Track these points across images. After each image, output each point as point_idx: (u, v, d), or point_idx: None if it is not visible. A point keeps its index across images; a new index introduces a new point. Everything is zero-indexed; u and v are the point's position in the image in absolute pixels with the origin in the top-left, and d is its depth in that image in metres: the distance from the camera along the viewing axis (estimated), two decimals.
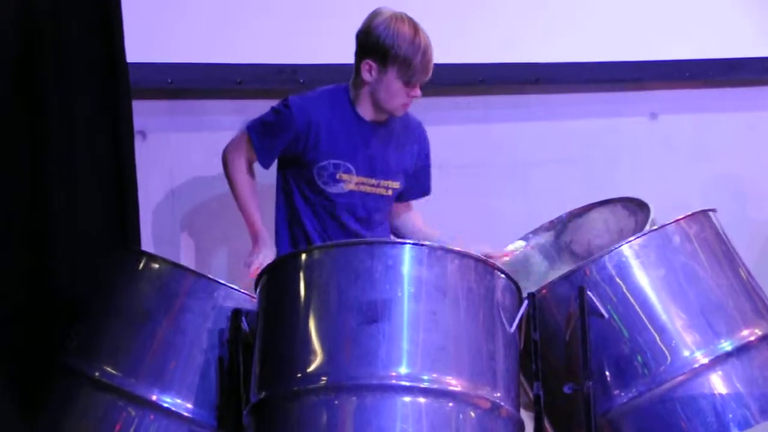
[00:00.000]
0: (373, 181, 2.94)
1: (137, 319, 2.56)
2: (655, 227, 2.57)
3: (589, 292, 2.43)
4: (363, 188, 2.94)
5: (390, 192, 2.98)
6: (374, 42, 2.84)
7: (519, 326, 2.44)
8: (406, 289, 2.31)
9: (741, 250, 2.64)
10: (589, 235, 3.03)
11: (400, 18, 2.85)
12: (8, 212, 2.98)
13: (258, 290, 2.48)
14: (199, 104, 3.41)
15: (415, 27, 2.86)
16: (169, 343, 2.52)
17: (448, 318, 2.32)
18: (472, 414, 2.27)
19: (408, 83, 2.86)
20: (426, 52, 2.85)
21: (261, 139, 2.92)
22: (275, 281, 2.44)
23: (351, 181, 2.91)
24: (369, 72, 2.87)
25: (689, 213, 2.55)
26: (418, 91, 2.89)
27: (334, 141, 2.89)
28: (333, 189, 2.91)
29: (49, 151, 2.99)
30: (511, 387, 2.37)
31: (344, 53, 3.50)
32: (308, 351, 2.29)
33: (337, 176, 2.90)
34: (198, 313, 2.52)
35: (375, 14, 2.88)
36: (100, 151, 3.09)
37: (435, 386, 2.24)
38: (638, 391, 2.41)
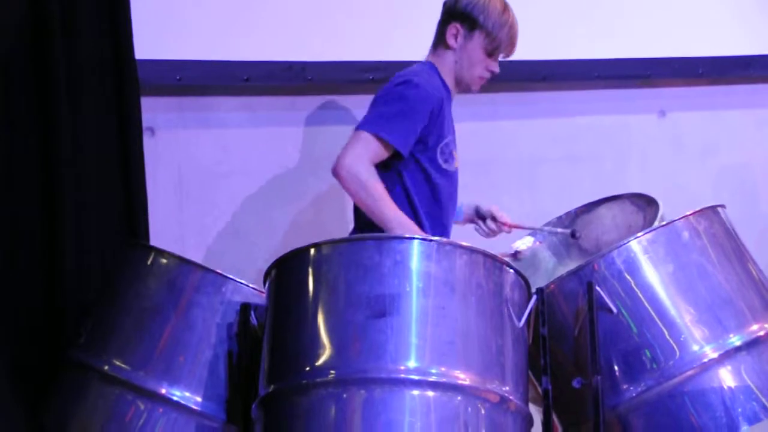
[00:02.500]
0: (457, 155, 2.97)
1: (146, 314, 2.56)
2: (664, 223, 2.56)
3: (597, 288, 2.42)
4: (457, 164, 2.96)
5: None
6: (464, 7, 2.91)
7: (528, 321, 2.43)
8: (415, 283, 2.31)
9: (750, 246, 2.64)
10: (598, 231, 3.03)
11: None
12: (18, 209, 2.99)
13: (267, 285, 2.49)
14: (208, 101, 3.42)
15: (504, 2, 2.93)
16: (178, 338, 2.53)
17: (456, 313, 2.32)
18: (481, 408, 2.26)
19: (490, 54, 2.91)
20: (513, 27, 2.92)
21: (393, 128, 2.75)
22: (284, 276, 2.44)
23: (457, 158, 2.93)
24: (455, 37, 2.91)
25: (698, 209, 2.55)
26: (497, 67, 2.94)
27: (448, 117, 2.91)
28: (450, 167, 2.91)
29: (58, 148, 2.99)
30: (520, 381, 2.37)
31: (353, 50, 3.52)
32: (317, 345, 2.29)
33: (453, 153, 2.92)
34: (207, 308, 2.53)
35: None
36: (108, 148, 3.10)
37: (443, 380, 2.24)
38: (647, 386, 2.40)
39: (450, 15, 2.94)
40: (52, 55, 3.00)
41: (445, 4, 2.98)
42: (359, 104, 3.58)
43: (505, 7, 2.93)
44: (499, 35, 2.91)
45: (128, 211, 3.09)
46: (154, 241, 3.03)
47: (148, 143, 3.19)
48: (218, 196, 3.40)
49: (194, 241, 3.32)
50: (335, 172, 2.76)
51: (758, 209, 3.96)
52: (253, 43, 3.41)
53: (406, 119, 2.79)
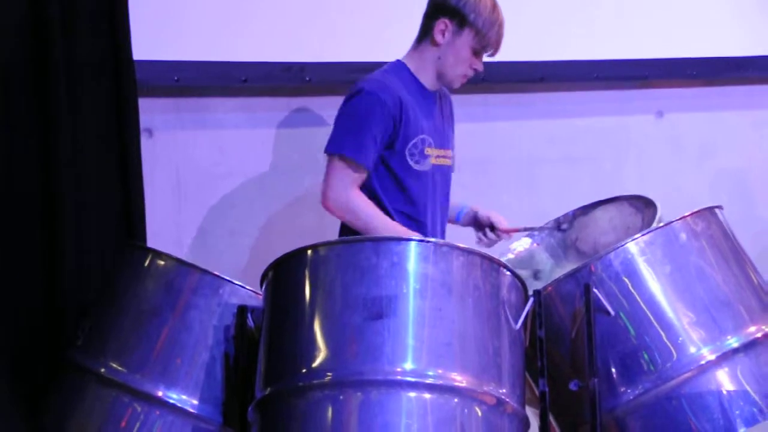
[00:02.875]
0: (442, 152, 2.95)
1: (143, 316, 2.56)
2: (662, 224, 2.56)
3: (595, 290, 2.42)
4: (439, 161, 2.94)
5: (450, 161, 2.99)
6: (454, 3, 2.87)
7: (524, 323, 2.43)
8: (412, 285, 2.31)
9: (747, 247, 2.63)
10: (595, 233, 3.03)
11: None
12: (17, 210, 2.98)
13: (263, 287, 2.48)
14: (206, 102, 3.41)
15: (494, 0, 2.90)
16: (174, 340, 2.52)
17: (453, 314, 2.31)
18: (478, 410, 2.26)
19: (476, 53, 2.89)
20: (501, 26, 2.90)
21: (356, 144, 2.76)
22: (281, 278, 2.44)
23: (432, 155, 2.91)
24: (442, 33, 2.88)
25: (695, 210, 2.55)
26: (481, 65, 2.93)
27: (415, 115, 2.88)
28: (423, 167, 2.89)
29: (57, 149, 2.99)
30: (517, 383, 2.37)
31: (351, 51, 3.51)
32: (313, 347, 2.29)
33: (425, 151, 2.89)
34: (204, 310, 2.53)
35: None
36: (107, 149, 3.10)
37: (440, 382, 2.24)
38: (644, 388, 2.40)
39: (438, 10, 2.90)
40: (51, 56, 2.99)
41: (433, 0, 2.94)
42: None
43: (495, 6, 2.90)
44: (488, 34, 2.88)
45: (126, 212, 3.09)
46: (151, 243, 3.02)
47: (146, 144, 3.19)
48: (216, 198, 3.40)
49: (192, 243, 3.32)
50: (325, 207, 2.83)
51: (755, 210, 3.96)
52: (251, 43, 3.40)
53: (361, 131, 2.79)
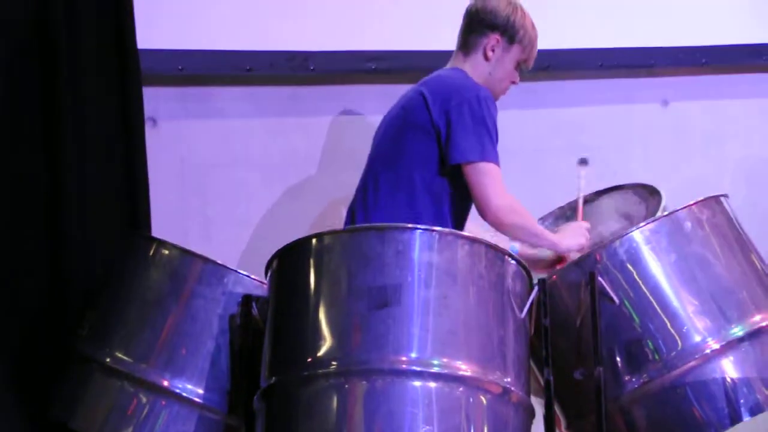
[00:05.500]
0: None
1: (148, 305, 2.57)
2: (666, 213, 2.56)
3: (599, 278, 2.42)
4: None
5: None
6: (505, 20, 2.92)
7: (529, 312, 2.43)
8: (416, 274, 2.31)
9: (753, 236, 2.63)
10: (600, 222, 3.02)
11: (518, 4, 2.96)
12: (19, 201, 2.99)
13: (268, 276, 2.48)
14: (210, 91, 3.41)
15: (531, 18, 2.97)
16: (180, 329, 2.53)
17: (458, 303, 2.31)
18: (483, 399, 2.26)
19: (518, 67, 2.95)
20: (537, 41, 2.97)
21: (494, 149, 2.77)
22: (286, 267, 2.44)
23: None
24: (493, 49, 2.91)
25: (701, 198, 2.54)
26: (518, 78, 2.98)
27: None
28: None
29: (61, 138, 2.99)
30: (522, 372, 2.37)
31: (356, 40, 3.51)
32: (318, 336, 2.29)
33: None
34: (209, 299, 2.53)
35: None
36: (110, 138, 3.09)
37: (445, 371, 2.24)
38: (649, 377, 2.40)
39: (488, 26, 2.93)
40: (56, 45, 2.99)
41: (478, 14, 2.95)
42: (362, 94, 3.58)
43: (533, 22, 2.98)
44: (532, 50, 2.96)
45: (131, 201, 3.09)
46: (156, 232, 3.03)
47: (150, 134, 3.19)
48: (220, 187, 3.40)
49: (196, 232, 3.32)
50: (491, 215, 2.73)
51: (761, 199, 3.94)
52: (255, 32, 3.40)
53: (492, 136, 2.79)
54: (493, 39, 2.92)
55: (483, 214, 2.76)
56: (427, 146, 2.81)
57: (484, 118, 2.78)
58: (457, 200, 2.84)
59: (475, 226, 2.89)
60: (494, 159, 2.76)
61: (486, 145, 2.76)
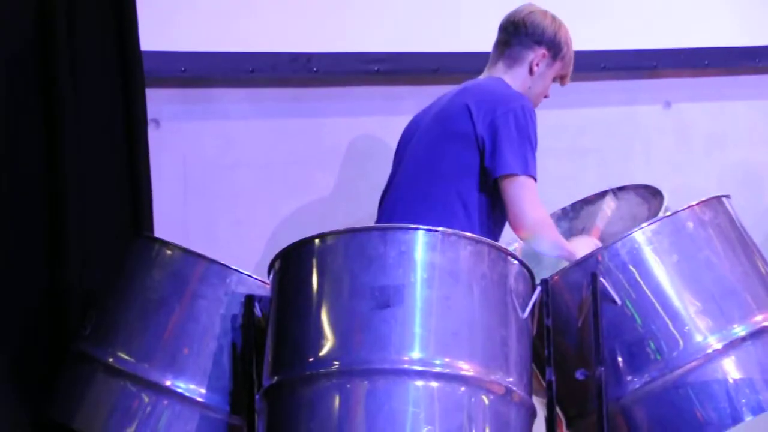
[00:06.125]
0: None
1: (150, 306, 2.56)
2: (669, 213, 2.56)
3: (601, 279, 2.42)
4: None
5: None
6: (551, 35, 2.93)
7: (532, 312, 2.43)
8: (419, 274, 2.31)
9: (755, 237, 2.63)
10: (602, 223, 3.02)
11: (561, 21, 2.99)
12: (22, 202, 2.99)
13: (271, 276, 2.49)
14: (213, 93, 3.42)
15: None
16: (182, 329, 2.53)
17: (461, 303, 2.32)
18: (485, 399, 2.26)
19: (554, 81, 2.98)
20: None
21: (534, 163, 2.76)
22: (288, 267, 2.44)
23: None
24: (538, 63, 2.93)
25: (703, 199, 2.54)
26: (549, 93, 3.01)
27: None
28: None
29: (62, 139, 3.00)
30: (524, 373, 2.37)
31: (359, 41, 3.51)
32: (321, 336, 2.29)
33: None
34: (211, 299, 2.53)
35: (536, 8, 2.97)
36: (113, 140, 3.10)
37: (447, 371, 2.24)
38: (651, 377, 2.40)
39: (535, 40, 2.92)
40: (58, 47, 3.00)
41: (526, 27, 2.93)
42: (365, 96, 3.58)
43: (571, 40, 2.99)
44: (569, 68, 2.98)
45: (133, 202, 3.09)
46: (158, 233, 3.03)
47: (153, 135, 3.19)
48: (223, 188, 3.40)
49: (199, 233, 3.32)
50: (530, 231, 2.72)
51: (764, 200, 3.95)
52: (258, 34, 3.40)
53: (533, 150, 2.79)
54: (540, 54, 2.92)
55: (517, 227, 2.74)
56: (468, 156, 2.79)
57: (527, 130, 2.77)
58: (491, 212, 2.81)
59: None
60: (534, 173, 2.76)
61: (528, 159, 2.76)
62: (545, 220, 2.76)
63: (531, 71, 2.93)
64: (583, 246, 2.76)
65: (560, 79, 3.00)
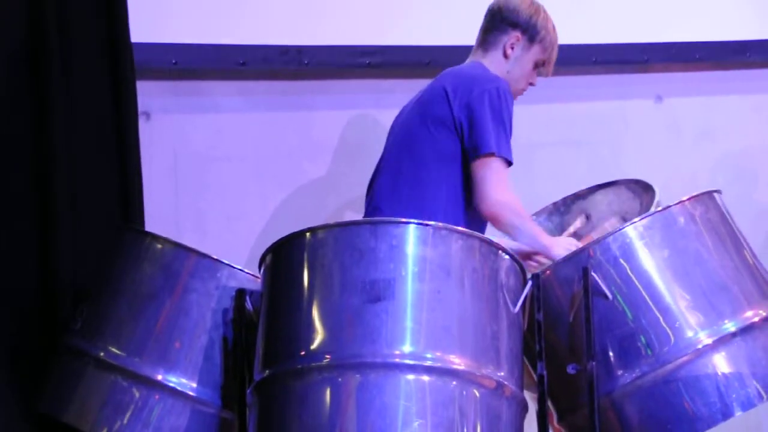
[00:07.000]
0: None
1: (141, 300, 2.56)
2: (660, 208, 2.56)
3: (593, 273, 2.42)
4: None
5: None
6: (526, 18, 2.92)
7: (523, 307, 2.44)
8: (410, 268, 2.31)
9: (746, 232, 2.63)
10: (594, 217, 3.02)
11: (540, 5, 2.96)
12: (12, 194, 2.98)
13: (262, 270, 2.48)
14: (203, 85, 3.41)
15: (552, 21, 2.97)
16: (173, 324, 2.52)
17: (452, 297, 2.32)
18: (476, 392, 2.27)
19: (536, 68, 2.95)
20: (557, 45, 2.98)
21: (508, 145, 2.78)
22: (279, 261, 2.44)
23: None
24: (513, 47, 2.91)
25: (694, 194, 2.54)
26: (536, 80, 2.99)
27: None
28: None
29: (53, 132, 2.99)
30: (515, 367, 2.37)
31: (349, 34, 3.50)
32: (312, 329, 2.29)
33: None
34: (202, 293, 2.53)
35: None
36: (103, 132, 3.09)
37: (438, 365, 2.24)
38: (641, 372, 2.40)
39: (510, 23, 2.93)
40: (48, 39, 2.98)
41: (501, 11, 2.95)
42: (356, 88, 3.57)
43: (554, 26, 2.98)
44: (552, 52, 2.96)
45: (124, 195, 3.08)
46: (149, 227, 3.02)
47: (143, 128, 3.18)
48: (213, 181, 3.39)
49: (189, 226, 3.32)
50: (488, 208, 2.74)
51: (755, 195, 3.96)
52: (248, 26, 3.40)
53: (507, 131, 2.80)
54: (514, 37, 2.92)
55: (479, 205, 2.75)
56: (448, 141, 2.80)
57: (501, 111, 2.78)
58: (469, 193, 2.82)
59: None
60: (507, 154, 2.77)
61: (501, 140, 2.76)
62: (511, 203, 2.74)
63: (505, 54, 2.93)
64: (564, 244, 2.74)
65: (542, 66, 2.97)
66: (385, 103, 3.45)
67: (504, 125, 2.78)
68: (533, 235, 2.76)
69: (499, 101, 2.79)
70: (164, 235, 2.63)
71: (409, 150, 2.86)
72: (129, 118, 3.10)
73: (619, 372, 2.42)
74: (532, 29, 2.92)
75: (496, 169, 2.75)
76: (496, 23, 2.95)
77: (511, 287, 2.41)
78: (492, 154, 2.75)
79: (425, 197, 2.80)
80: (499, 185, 2.74)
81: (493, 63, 2.94)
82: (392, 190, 2.87)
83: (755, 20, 3.97)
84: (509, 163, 2.79)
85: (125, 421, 2.48)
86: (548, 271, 2.49)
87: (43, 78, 2.99)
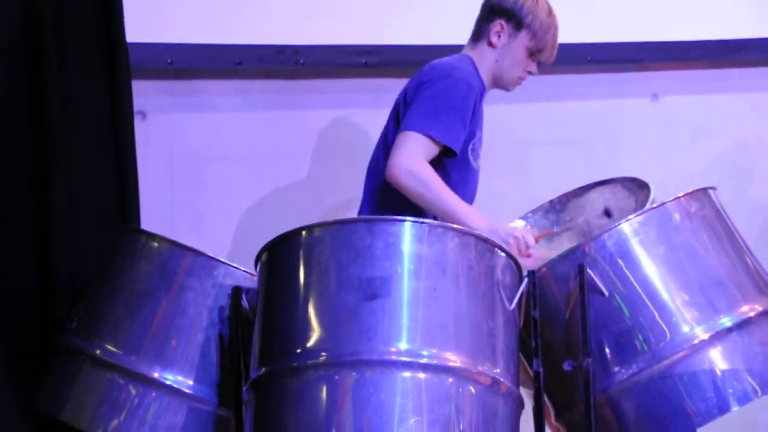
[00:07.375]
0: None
1: (138, 298, 2.56)
2: (655, 205, 2.56)
3: (589, 270, 2.42)
4: (479, 162, 2.93)
5: None
6: (511, 5, 2.87)
7: (519, 304, 2.44)
8: (406, 266, 2.31)
9: (741, 229, 2.64)
10: (589, 215, 3.03)
11: None
12: (8, 193, 2.98)
13: (258, 268, 2.49)
14: (199, 85, 3.41)
15: (549, 5, 2.90)
16: (169, 321, 2.52)
17: (448, 295, 2.32)
18: (472, 389, 2.27)
19: (532, 55, 2.89)
20: (557, 30, 2.90)
21: (444, 127, 2.69)
22: (275, 259, 2.44)
23: (479, 155, 2.90)
24: (498, 35, 2.87)
25: (689, 191, 2.55)
26: (535, 68, 2.92)
27: (481, 111, 2.88)
28: (476, 165, 2.89)
29: (49, 131, 2.99)
30: (511, 364, 2.37)
31: (346, 34, 3.51)
32: (308, 327, 2.29)
33: (479, 150, 2.88)
34: (198, 291, 2.53)
35: None
36: (100, 132, 3.09)
37: (434, 362, 2.24)
38: (638, 368, 2.40)
39: (495, 12, 2.90)
40: (44, 38, 2.98)
41: (490, 1, 2.93)
42: (352, 88, 3.58)
43: (551, 10, 2.91)
44: (544, 37, 2.89)
45: (120, 194, 3.08)
46: (145, 225, 3.02)
47: (139, 127, 3.18)
48: (210, 180, 3.40)
49: (186, 225, 3.32)
50: (391, 175, 2.68)
51: (751, 193, 3.96)
52: (245, 26, 3.40)
53: (453, 114, 2.73)
54: (498, 25, 2.88)
55: (387, 171, 2.68)
56: None
57: (445, 96, 2.71)
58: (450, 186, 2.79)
59: None
60: (436, 134, 2.68)
61: (425, 118, 2.69)
62: (419, 173, 2.64)
63: (491, 43, 2.89)
64: (493, 226, 2.64)
65: (538, 53, 2.91)
66: (381, 103, 3.44)
67: (443, 105, 2.70)
68: (445, 210, 2.64)
69: (449, 84, 2.72)
70: (160, 233, 2.63)
71: (384, 148, 2.86)
72: (125, 117, 3.10)
73: (616, 368, 2.42)
74: (517, 15, 2.86)
75: (414, 140, 2.68)
76: (486, 13, 2.93)
77: (507, 284, 2.41)
78: (418, 132, 2.69)
79: (395, 197, 2.75)
80: (411, 155, 2.66)
81: (482, 54, 2.91)
82: (370, 192, 2.87)
83: (751, 19, 3.98)
84: (441, 146, 2.70)
85: (122, 419, 2.48)
86: (544, 269, 2.49)
87: (39, 78, 2.99)
